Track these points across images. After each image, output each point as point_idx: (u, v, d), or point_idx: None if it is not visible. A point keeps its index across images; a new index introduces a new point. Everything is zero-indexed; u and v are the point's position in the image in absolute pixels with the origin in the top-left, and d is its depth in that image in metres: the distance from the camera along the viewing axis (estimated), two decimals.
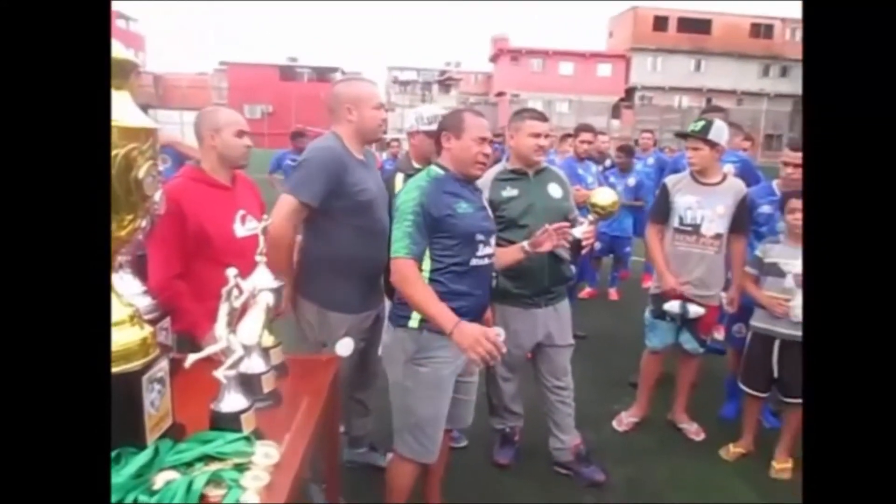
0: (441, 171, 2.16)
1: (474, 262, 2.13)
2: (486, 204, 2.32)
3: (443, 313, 1.97)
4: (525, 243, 2.42)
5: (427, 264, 2.08)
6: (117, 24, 38.21)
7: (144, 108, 2.18)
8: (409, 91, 44.72)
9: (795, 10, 42.49)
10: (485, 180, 2.77)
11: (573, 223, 2.75)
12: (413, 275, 2.02)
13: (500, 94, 41.30)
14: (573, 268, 2.95)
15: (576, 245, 2.65)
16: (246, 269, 1.67)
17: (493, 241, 2.24)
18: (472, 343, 1.88)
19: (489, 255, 2.21)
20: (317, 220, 2.38)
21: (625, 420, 3.50)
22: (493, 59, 43.87)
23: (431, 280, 2.08)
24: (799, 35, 40.10)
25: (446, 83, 46.76)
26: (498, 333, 2.79)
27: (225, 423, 1.44)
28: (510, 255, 2.45)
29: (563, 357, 2.94)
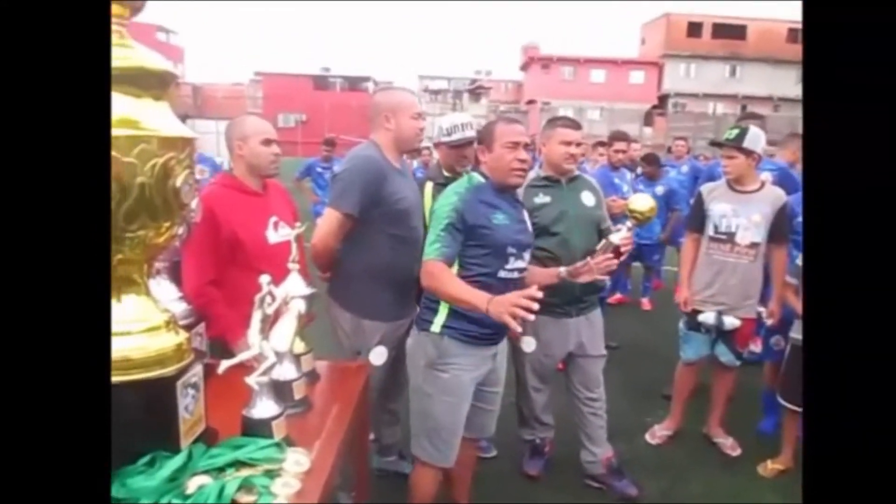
0: (482, 180, 2.14)
1: (503, 274, 2.09)
2: (525, 217, 2.26)
3: (474, 295, 1.92)
4: (563, 270, 2.38)
5: (455, 270, 2.06)
6: (157, 36, 39.35)
7: (183, 117, 2.23)
8: (439, 100, 44.98)
9: None
10: None
11: (606, 232, 2.73)
12: (441, 271, 1.99)
13: (530, 102, 41.20)
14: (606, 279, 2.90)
15: (614, 251, 2.60)
16: (279, 276, 1.69)
17: (526, 255, 2.20)
18: (508, 310, 1.80)
19: (520, 269, 2.16)
20: (354, 228, 2.40)
21: (658, 433, 3.43)
22: (524, 67, 43.84)
23: None
24: None
25: (476, 92, 46.88)
26: (529, 343, 2.82)
27: (256, 429, 1.45)
28: (544, 277, 2.38)
29: (595, 367, 2.90)
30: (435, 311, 2.11)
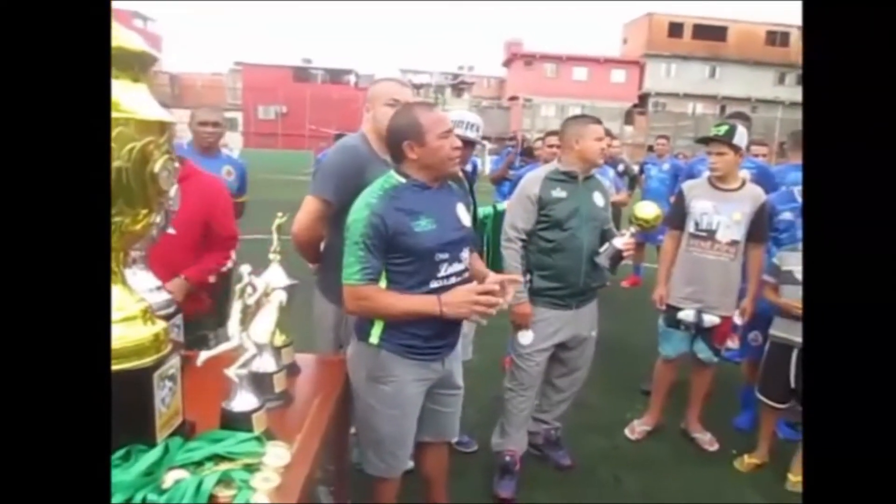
0: (400, 181, 1.92)
1: (435, 283, 1.90)
2: (460, 212, 2.03)
3: (422, 303, 1.82)
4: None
5: (383, 285, 1.89)
6: (135, 23, 38.56)
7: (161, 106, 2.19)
8: (422, 94, 44.80)
9: None
10: (536, 176, 2.80)
11: (609, 234, 2.80)
12: (373, 293, 1.83)
13: (512, 98, 41.28)
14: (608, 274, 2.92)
15: (616, 256, 2.68)
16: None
17: (464, 254, 2.01)
18: (466, 308, 1.74)
19: (458, 273, 1.97)
20: (339, 219, 2.37)
21: (637, 428, 3.45)
22: (507, 63, 43.87)
23: None
24: None
25: (459, 87, 46.81)
26: (525, 336, 2.82)
27: (236, 422, 1.42)
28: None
29: (580, 356, 2.95)
30: (371, 321, 1.94)
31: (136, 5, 38.19)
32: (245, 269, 1.47)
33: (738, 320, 3.21)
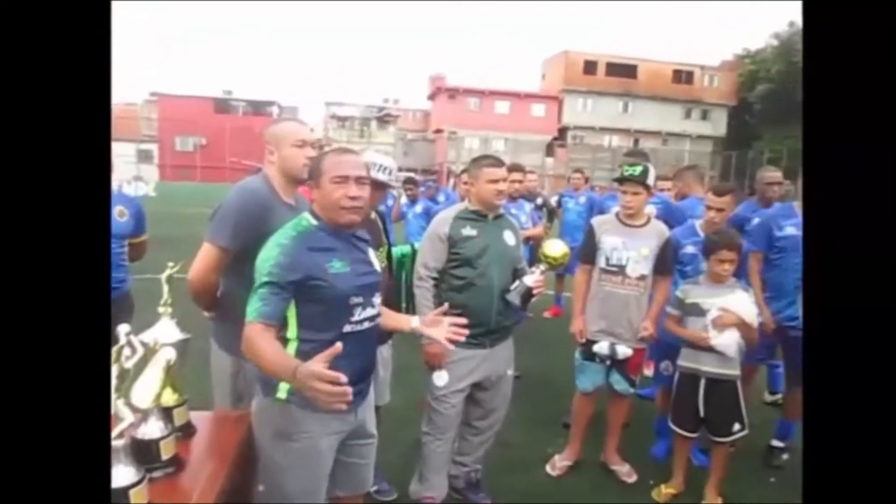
0: (312, 223, 1.88)
1: (349, 328, 1.85)
2: (372, 257, 2.02)
3: (281, 364, 1.63)
4: (416, 321, 2.13)
5: (293, 332, 1.82)
6: None
7: None
8: (347, 126, 44.69)
9: (713, 59, 45.50)
10: (447, 215, 2.82)
11: (520, 273, 2.82)
12: (256, 335, 1.70)
13: (438, 131, 41.89)
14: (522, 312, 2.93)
15: (527, 293, 2.71)
16: None
17: (376, 299, 1.98)
18: (314, 386, 1.50)
19: (371, 318, 1.94)
20: (237, 266, 2.25)
21: (558, 464, 3.45)
22: (431, 96, 44.60)
23: (299, 352, 1.79)
24: (716, 82, 42.97)
25: (385, 119, 47.05)
26: (440, 377, 2.77)
27: (112, 499, 1.29)
28: (397, 323, 2.18)
29: (498, 396, 2.92)
30: None
31: None
32: (123, 328, 1.35)
33: (641, 334, 3.19)
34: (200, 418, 1.92)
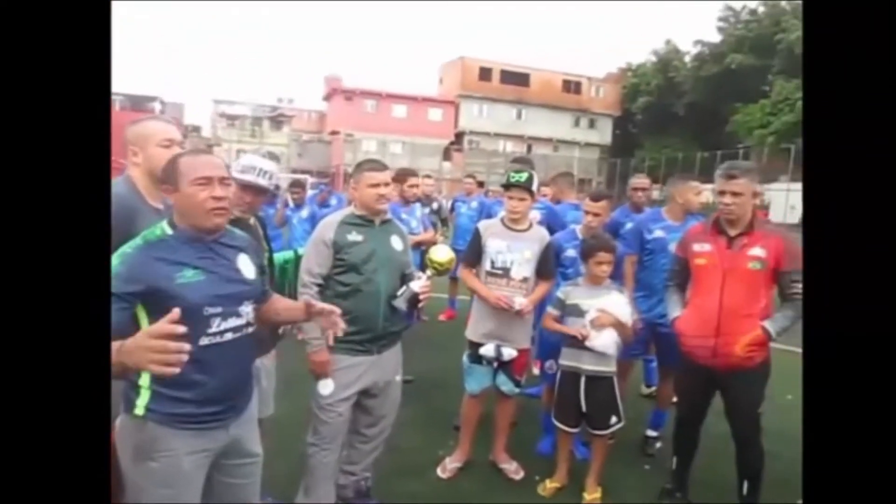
0: (167, 231, 1.78)
1: (206, 341, 1.75)
2: (241, 264, 1.91)
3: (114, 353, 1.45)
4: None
5: None
6: None
7: None
8: (237, 126, 42.90)
9: (598, 70, 48.16)
10: (332, 220, 2.75)
11: (408, 278, 2.81)
12: None
13: (333, 132, 41.26)
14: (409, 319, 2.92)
15: (413, 299, 2.70)
16: None
17: (244, 308, 1.88)
18: (143, 359, 1.40)
19: (236, 329, 1.83)
20: None
21: (448, 466, 3.48)
22: (327, 97, 43.86)
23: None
24: (602, 93, 45.53)
25: (278, 119, 45.64)
26: (326, 385, 2.69)
27: None
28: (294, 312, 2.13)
29: (386, 403, 2.89)
30: (137, 391, 1.73)
31: None
32: None
33: (517, 306, 3.20)
34: None
